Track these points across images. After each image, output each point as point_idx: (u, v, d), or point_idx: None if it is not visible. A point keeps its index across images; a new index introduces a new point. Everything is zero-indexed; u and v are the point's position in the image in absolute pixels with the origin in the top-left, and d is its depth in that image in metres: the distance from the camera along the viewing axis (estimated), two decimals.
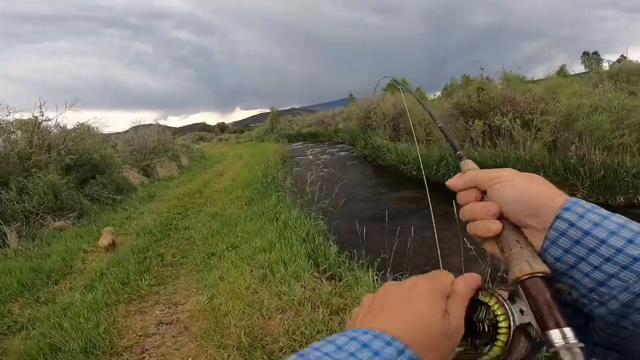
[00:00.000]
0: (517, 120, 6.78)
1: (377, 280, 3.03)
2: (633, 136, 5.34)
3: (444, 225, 5.51)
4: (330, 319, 2.49)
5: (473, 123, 7.56)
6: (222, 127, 67.98)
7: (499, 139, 7.17)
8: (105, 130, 10.43)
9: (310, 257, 3.58)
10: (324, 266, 3.34)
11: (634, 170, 5.09)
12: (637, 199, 5.06)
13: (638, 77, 7.85)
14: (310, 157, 15.71)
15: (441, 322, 0.29)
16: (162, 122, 15.12)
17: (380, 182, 8.91)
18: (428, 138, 9.60)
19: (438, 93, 20.83)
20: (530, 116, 6.72)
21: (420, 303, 0.30)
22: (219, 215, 5.65)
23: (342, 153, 15.13)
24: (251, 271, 3.33)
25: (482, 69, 8.29)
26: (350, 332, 0.27)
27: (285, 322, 2.52)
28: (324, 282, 3.01)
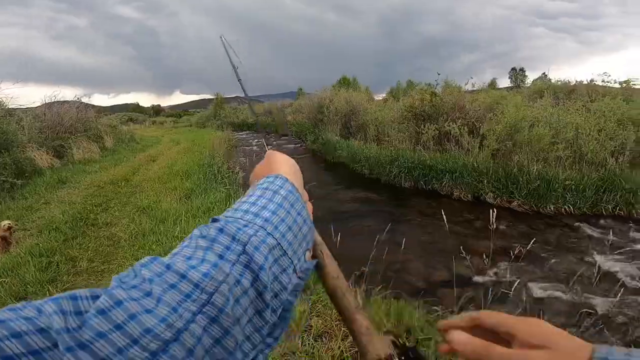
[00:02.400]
0: (465, 127, 7.09)
1: (357, 294, 2.67)
2: (567, 150, 5.88)
3: (401, 228, 5.52)
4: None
5: (425, 127, 7.73)
6: (157, 110, 62.42)
7: (448, 144, 7.44)
8: (14, 104, 8.58)
9: None
10: None
11: (565, 182, 5.60)
12: (565, 208, 5.59)
13: (563, 94, 8.85)
14: (256, 147, 14.93)
15: (299, 174, 0.48)
16: (86, 100, 12.89)
17: (332, 179, 8.68)
18: (380, 137, 9.68)
19: (383, 94, 21.64)
20: (477, 124, 7.07)
21: (291, 162, 0.49)
22: (152, 209, 4.76)
23: (290, 146, 14.67)
24: None
25: (439, 73, 8.51)
26: (264, 179, 0.42)
27: None
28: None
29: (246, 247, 0.32)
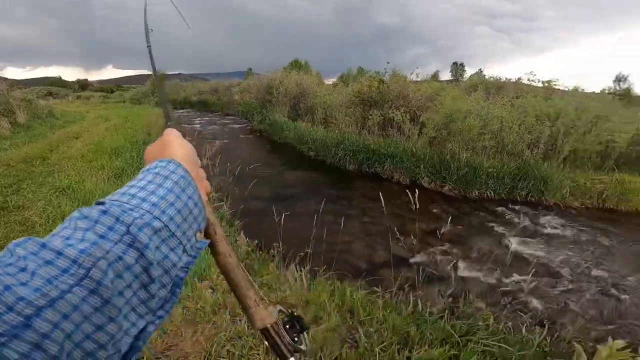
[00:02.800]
0: (407, 115, 7.45)
1: (302, 275, 2.65)
2: (492, 141, 6.51)
3: (344, 209, 5.70)
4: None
5: (371, 112, 7.96)
6: (83, 84, 55.20)
7: (391, 130, 7.78)
8: None
9: None
10: None
11: (489, 170, 6.23)
12: (487, 194, 6.24)
13: (494, 90, 9.73)
14: (198, 126, 14.10)
15: (195, 157, 0.50)
16: None
17: (278, 160, 8.58)
18: (328, 120, 9.75)
19: (334, 79, 21.75)
20: (419, 113, 7.48)
21: (186, 145, 0.50)
22: (73, 190, 4.24)
23: (235, 126, 14.15)
24: None
25: (388, 62, 8.72)
26: (157, 162, 0.43)
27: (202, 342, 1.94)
28: None
29: (130, 227, 0.33)
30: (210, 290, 2.37)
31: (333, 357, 1.82)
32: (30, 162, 5.72)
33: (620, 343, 1.66)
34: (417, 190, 3.06)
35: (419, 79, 9.78)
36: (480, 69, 19.80)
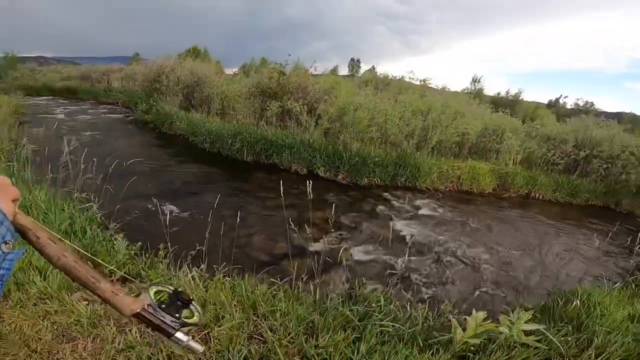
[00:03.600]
0: (305, 107, 7.62)
1: (201, 275, 2.41)
2: (378, 133, 7.18)
3: (242, 201, 5.43)
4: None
5: (270, 104, 7.86)
6: None
7: (289, 121, 7.83)
8: None
9: (88, 257, 2.36)
10: (111, 267, 2.32)
11: (375, 159, 6.85)
12: (374, 181, 6.86)
13: (382, 86, 10.81)
14: (62, 116, 11.67)
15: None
16: None
17: (167, 153, 7.71)
18: (225, 111, 9.26)
19: (235, 69, 20.88)
20: (316, 105, 7.73)
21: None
22: None
23: (113, 115, 12.29)
24: None
25: (289, 55, 8.71)
26: None
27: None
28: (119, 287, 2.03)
29: None
30: (85, 302, 1.99)
31: (242, 356, 1.73)
32: None
33: (481, 314, 1.97)
34: (311, 181, 3.13)
35: (318, 73, 10.11)
36: (373, 66, 21.79)
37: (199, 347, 0.61)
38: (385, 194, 6.43)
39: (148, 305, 0.59)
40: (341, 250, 3.26)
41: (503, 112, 9.54)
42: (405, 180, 6.99)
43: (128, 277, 2.14)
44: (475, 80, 22.15)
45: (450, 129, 7.71)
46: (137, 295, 0.62)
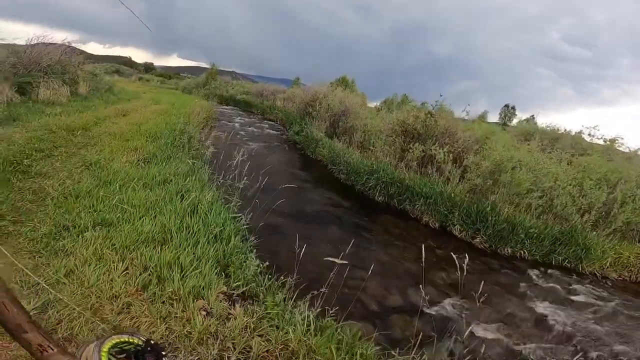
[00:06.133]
0: (450, 155, 7.02)
1: (309, 319, 2.31)
2: (541, 200, 5.93)
3: (365, 243, 5.34)
4: None
5: (413, 145, 7.60)
6: (148, 67, 59.33)
7: (430, 168, 7.35)
8: None
9: (220, 264, 2.68)
10: (238, 282, 2.51)
11: (530, 229, 5.64)
12: (520, 253, 5.63)
13: (548, 140, 9.03)
14: (237, 125, 14.36)
15: None
16: (80, 46, 12.42)
17: (307, 175, 8.40)
18: (364, 145, 9.49)
19: (377, 103, 21.58)
20: (463, 155, 7.03)
21: None
22: (100, 167, 4.22)
23: (271, 131, 14.25)
24: (126, 271, 2.26)
25: (441, 95, 8.28)
26: None
27: None
28: (237, 307, 2.21)
29: None
30: (204, 313, 2.12)
31: None
32: (72, 130, 5.89)
33: None
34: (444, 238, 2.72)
35: (467, 118, 9.28)
36: (532, 116, 18.67)
37: None
38: (533, 271, 5.22)
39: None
40: (463, 320, 2.78)
41: None
42: (564, 260, 5.52)
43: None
44: None
45: None
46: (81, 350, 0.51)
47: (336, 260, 2.37)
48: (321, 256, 4.34)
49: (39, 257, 2.30)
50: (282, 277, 2.87)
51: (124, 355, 0.54)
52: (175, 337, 1.86)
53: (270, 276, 2.85)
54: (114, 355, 0.53)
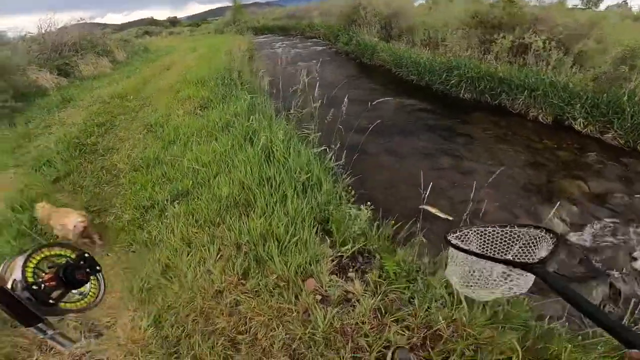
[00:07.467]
0: (551, 42, 5.47)
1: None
2: None
3: (463, 150, 4.42)
4: None
5: (497, 36, 6.14)
6: (173, 21, 56.89)
7: (525, 58, 5.85)
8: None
9: (317, 219, 2.13)
10: (345, 245, 1.95)
11: None
12: None
13: None
14: (279, 50, 13.17)
15: None
16: (99, 20, 12.06)
17: (372, 82, 7.51)
18: (431, 43, 7.97)
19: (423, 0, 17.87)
20: (566, 42, 5.40)
21: None
22: (160, 126, 3.90)
23: (317, 47, 13.08)
24: (219, 254, 1.88)
25: None
26: None
27: None
28: (355, 282, 1.70)
29: None
30: (319, 298, 1.68)
31: None
32: (124, 97, 5.71)
33: None
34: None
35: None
36: (624, 1, 13.88)
37: (62, 346, 0.51)
38: None
39: (15, 281, 0.45)
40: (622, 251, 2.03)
41: None
42: None
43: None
44: None
45: None
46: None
47: (439, 213, 1.65)
48: (411, 173, 3.66)
49: (132, 251, 2.05)
50: (384, 220, 2.19)
51: (54, 269, 0.50)
52: (300, 342, 1.46)
53: (378, 222, 2.20)
54: (43, 270, 0.50)
